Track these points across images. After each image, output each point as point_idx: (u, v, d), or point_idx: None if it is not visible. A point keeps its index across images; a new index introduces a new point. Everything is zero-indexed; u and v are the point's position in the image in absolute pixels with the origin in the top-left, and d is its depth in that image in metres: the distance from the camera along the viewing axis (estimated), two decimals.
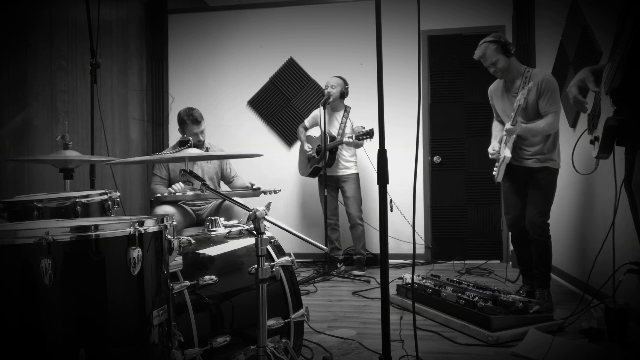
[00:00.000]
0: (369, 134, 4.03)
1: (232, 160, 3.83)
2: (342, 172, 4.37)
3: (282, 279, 1.96)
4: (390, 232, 2.16)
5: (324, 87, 4.38)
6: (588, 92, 2.03)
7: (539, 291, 3.09)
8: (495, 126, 3.34)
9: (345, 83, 4.37)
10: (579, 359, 2.22)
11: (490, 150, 3.23)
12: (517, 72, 3.07)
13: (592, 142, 1.98)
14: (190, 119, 3.51)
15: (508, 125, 2.95)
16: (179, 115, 3.58)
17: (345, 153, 4.37)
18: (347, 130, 4.32)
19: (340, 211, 4.50)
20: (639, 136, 1.78)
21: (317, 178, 4.53)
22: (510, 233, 3.34)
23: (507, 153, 3.04)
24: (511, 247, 4.49)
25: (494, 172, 3.23)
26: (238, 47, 5.19)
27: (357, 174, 4.41)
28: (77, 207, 2.11)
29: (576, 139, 2.50)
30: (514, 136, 3.00)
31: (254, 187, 3.27)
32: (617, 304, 2.38)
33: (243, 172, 3.89)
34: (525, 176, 3.12)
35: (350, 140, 4.09)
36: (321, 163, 4.26)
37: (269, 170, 5.01)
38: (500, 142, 3.17)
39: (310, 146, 4.45)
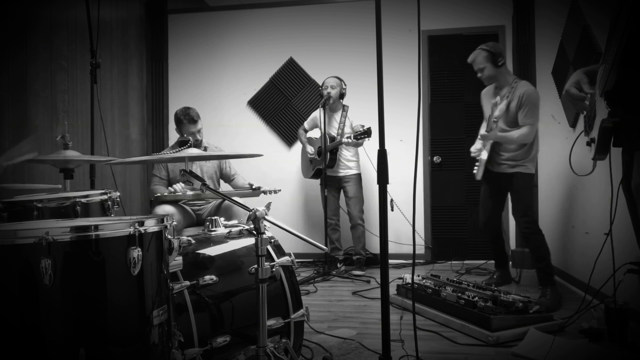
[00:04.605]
0: (367, 133, 3.99)
1: (232, 160, 3.83)
2: (345, 172, 4.37)
3: (282, 279, 1.96)
4: (390, 232, 2.16)
5: (321, 88, 4.37)
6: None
7: (543, 289, 3.17)
8: (483, 127, 3.52)
9: (343, 83, 4.37)
10: (579, 359, 2.22)
11: (472, 149, 3.49)
12: (505, 81, 3.29)
13: (588, 144, 1.98)
14: (186, 118, 3.51)
15: (482, 132, 3.26)
16: (176, 114, 3.58)
17: (346, 153, 4.36)
18: (347, 130, 4.32)
19: (340, 211, 4.50)
20: (636, 137, 1.78)
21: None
22: (485, 230, 3.68)
23: (483, 155, 3.35)
24: (512, 247, 4.51)
25: (474, 171, 3.47)
26: (238, 47, 5.19)
27: (360, 174, 4.41)
28: (77, 207, 2.11)
29: (575, 141, 2.50)
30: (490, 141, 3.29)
31: (254, 187, 3.28)
32: (617, 304, 2.39)
33: (243, 173, 3.88)
34: (500, 181, 3.42)
35: (349, 140, 4.08)
36: (322, 164, 4.26)
37: (269, 171, 5.01)
38: (478, 149, 3.46)
39: (312, 148, 4.44)
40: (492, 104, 3.26)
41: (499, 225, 3.70)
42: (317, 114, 4.41)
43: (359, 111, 4.52)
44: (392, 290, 3.26)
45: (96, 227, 1.28)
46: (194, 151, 2.07)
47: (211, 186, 1.89)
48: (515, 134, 3.18)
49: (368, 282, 3.93)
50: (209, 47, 5.23)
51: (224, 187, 3.89)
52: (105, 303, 1.29)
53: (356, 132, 4.06)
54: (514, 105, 3.17)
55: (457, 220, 4.83)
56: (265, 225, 1.67)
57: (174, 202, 3.41)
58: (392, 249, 4.51)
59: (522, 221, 3.29)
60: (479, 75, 3.35)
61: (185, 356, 1.58)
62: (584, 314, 2.66)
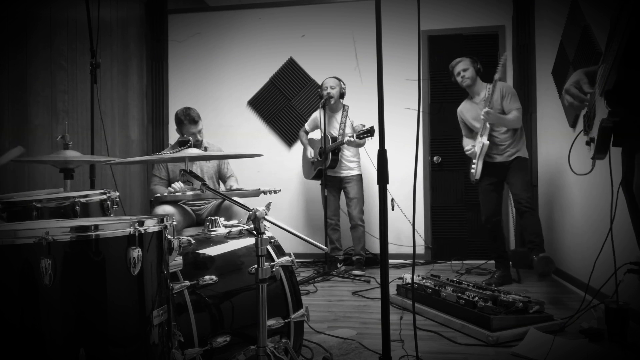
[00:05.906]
0: (370, 132, 3.98)
1: (231, 160, 3.82)
2: (346, 173, 4.36)
3: (282, 279, 1.96)
4: (390, 232, 2.16)
5: (320, 89, 4.37)
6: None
7: (537, 257, 3.39)
8: (466, 142, 3.88)
9: (342, 82, 4.36)
10: (579, 359, 2.22)
11: (468, 147, 3.78)
12: (481, 86, 3.79)
13: (588, 144, 1.98)
14: (187, 119, 3.51)
15: (486, 109, 3.55)
16: (176, 115, 3.58)
17: (347, 153, 4.35)
18: (348, 130, 4.32)
19: (340, 211, 4.50)
20: (636, 137, 1.78)
21: None
22: (487, 227, 3.80)
23: (484, 140, 3.63)
24: (512, 247, 4.51)
25: (472, 170, 3.74)
26: (238, 47, 5.19)
27: (361, 175, 4.40)
28: (76, 207, 2.10)
29: (574, 140, 2.50)
30: (489, 126, 3.62)
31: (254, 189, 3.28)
32: (617, 304, 2.38)
33: (243, 173, 3.89)
34: (501, 170, 3.72)
35: (352, 140, 4.06)
36: (324, 165, 4.26)
37: (269, 171, 5.01)
38: (473, 146, 3.75)
39: (313, 151, 4.44)
40: (480, 105, 3.72)
41: (501, 220, 3.81)
42: (318, 115, 4.41)
43: (359, 111, 4.52)
44: (392, 290, 3.26)
45: (96, 227, 1.28)
46: (194, 151, 2.06)
47: (211, 186, 1.89)
48: (510, 116, 3.61)
49: (368, 282, 3.93)
50: (209, 47, 5.23)
51: (222, 187, 3.89)
52: (105, 303, 1.28)
53: (359, 131, 4.05)
54: (498, 99, 3.64)
55: (457, 220, 4.83)
56: (265, 225, 1.67)
57: (174, 202, 3.40)
58: (392, 249, 4.52)
59: (525, 197, 3.60)
60: (460, 75, 3.74)
61: (185, 356, 1.58)
62: (584, 314, 2.66)
